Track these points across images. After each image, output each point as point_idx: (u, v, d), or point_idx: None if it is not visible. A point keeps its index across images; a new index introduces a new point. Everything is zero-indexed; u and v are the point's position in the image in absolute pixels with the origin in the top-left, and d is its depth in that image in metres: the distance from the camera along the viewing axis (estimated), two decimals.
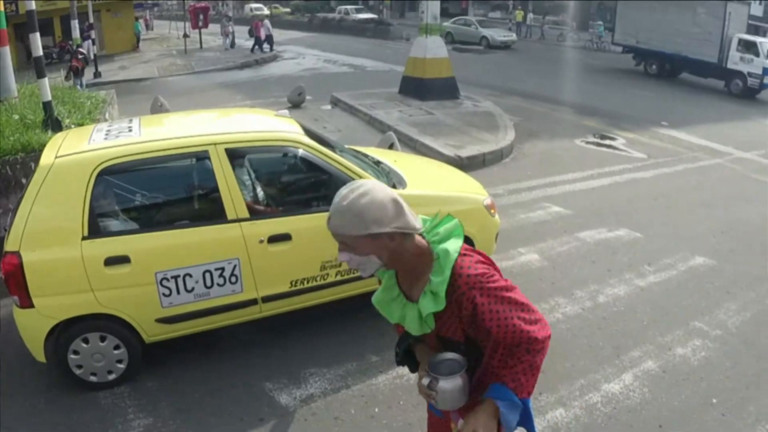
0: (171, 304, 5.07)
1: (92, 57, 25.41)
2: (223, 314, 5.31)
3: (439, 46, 17.31)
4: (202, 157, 5.25)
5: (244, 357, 5.62)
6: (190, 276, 5.02)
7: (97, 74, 24.66)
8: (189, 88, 21.64)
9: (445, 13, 18.58)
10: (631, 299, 6.73)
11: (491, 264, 2.45)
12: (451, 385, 2.42)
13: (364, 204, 2.22)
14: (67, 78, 19.93)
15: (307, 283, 5.53)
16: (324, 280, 5.59)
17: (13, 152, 8.14)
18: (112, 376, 5.16)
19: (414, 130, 13.48)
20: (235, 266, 5.15)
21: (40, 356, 4.96)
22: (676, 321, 6.29)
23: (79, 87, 17.13)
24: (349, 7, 53.03)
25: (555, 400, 5.05)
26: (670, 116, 17.32)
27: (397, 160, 7.05)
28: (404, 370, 5.28)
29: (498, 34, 38.29)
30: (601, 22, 39.99)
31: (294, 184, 6.18)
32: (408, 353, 2.73)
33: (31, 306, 4.71)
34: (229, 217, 5.13)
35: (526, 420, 2.59)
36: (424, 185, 6.34)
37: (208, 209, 5.39)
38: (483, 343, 2.51)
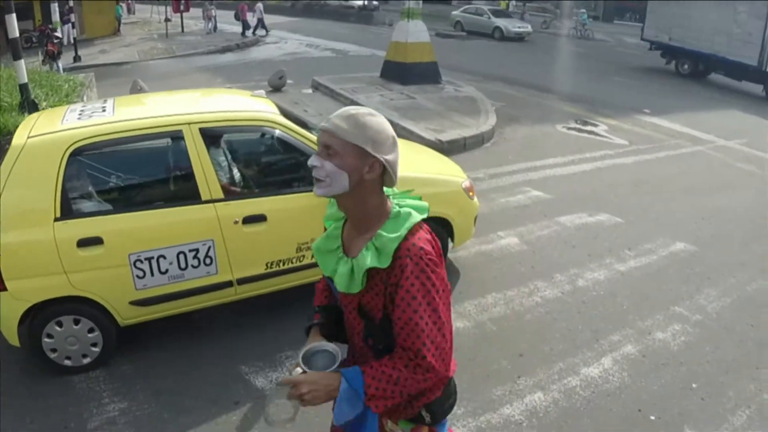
0: (145, 287, 4.99)
1: (72, 41, 25.11)
2: (198, 296, 5.23)
3: (420, 31, 17.17)
4: (176, 137, 5.18)
5: (220, 340, 5.56)
6: (164, 258, 4.94)
7: (76, 58, 24.31)
8: (169, 71, 21.43)
9: None
10: (611, 284, 6.73)
11: (442, 263, 2.31)
12: None
13: (371, 120, 2.19)
14: (44, 62, 19.69)
15: (283, 264, 5.47)
16: (300, 261, 5.53)
17: None
18: (86, 360, 5.09)
19: (395, 114, 13.40)
20: (209, 248, 5.08)
21: (14, 340, 4.87)
22: (656, 306, 6.29)
23: (56, 71, 16.94)
24: None
25: (533, 384, 5.03)
26: (652, 104, 17.35)
27: None
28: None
29: (513, 25, 35.44)
30: (584, 10, 39.89)
31: (270, 165, 6.11)
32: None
33: (4, 289, 4.62)
34: (204, 197, 5.05)
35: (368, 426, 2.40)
36: (402, 167, 6.19)
37: (182, 190, 5.30)
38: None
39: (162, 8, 38.56)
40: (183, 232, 4.98)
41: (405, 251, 2.16)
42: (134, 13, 51.56)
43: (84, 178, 5.13)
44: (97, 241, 4.74)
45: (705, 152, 12.77)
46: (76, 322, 4.93)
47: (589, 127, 14.33)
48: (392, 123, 10.98)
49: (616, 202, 9.28)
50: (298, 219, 5.36)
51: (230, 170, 5.65)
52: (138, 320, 5.18)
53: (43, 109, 8.89)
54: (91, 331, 5.00)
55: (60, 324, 4.90)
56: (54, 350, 4.95)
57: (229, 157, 5.77)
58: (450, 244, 6.51)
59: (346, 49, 28.24)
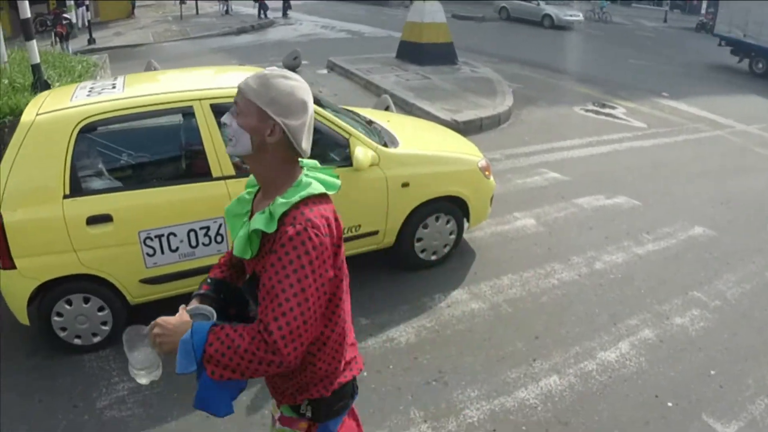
0: (155, 264, 4.93)
1: (86, 24, 25.10)
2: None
3: (436, 11, 16.95)
4: (186, 113, 5.11)
5: None
6: (175, 235, 4.88)
7: (91, 41, 24.26)
8: (183, 53, 21.37)
9: None
10: (628, 267, 6.61)
11: (336, 246, 2.18)
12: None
13: (280, 82, 2.10)
14: (53, 44, 19.67)
15: None
16: None
17: (1, 116, 8.07)
18: (96, 339, 5.04)
19: (410, 94, 13.30)
20: (220, 225, 5.01)
21: (24, 319, 4.82)
22: (674, 290, 6.18)
23: (66, 53, 16.91)
24: None
25: (549, 367, 4.95)
26: (671, 87, 17.12)
27: (390, 120, 6.89)
28: (395, 333, 5.27)
29: (564, 13, 32.54)
30: None
31: None
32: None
33: (13, 267, 4.56)
34: (215, 174, 4.97)
35: (210, 399, 2.24)
36: (418, 145, 6.20)
37: (193, 167, 5.24)
38: None
39: None
40: (194, 209, 4.91)
41: (291, 218, 2.06)
42: None
43: (94, 155, 5.07)
44: (106, 218, 4.68)
45: (724, 137, 12.56)
46: (86, 300, 4.88)
47: (606, 110, 14.16)
48: (408, 103, 11.00)
49: (634, 184, 9.13)
50: None
51: None
52: (148, 299, 5.12)
53: None
54: (101, 309, 4.96)
55: (69, 302, 4.85)
56: (63, 329, 4.92)
57: None
58: (465, 225, 6.42)
59: (361, 31, 28.12)
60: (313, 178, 2.20)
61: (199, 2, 36.32)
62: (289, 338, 1.99)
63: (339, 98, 12.80)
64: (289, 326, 1.99)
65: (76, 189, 4.65)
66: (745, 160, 11.04)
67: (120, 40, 25.81)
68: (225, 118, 2.18)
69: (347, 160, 5.38)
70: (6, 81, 9.51)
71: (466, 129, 10.99)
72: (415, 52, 17.09)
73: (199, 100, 4.98)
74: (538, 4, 33.38)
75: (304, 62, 16.85)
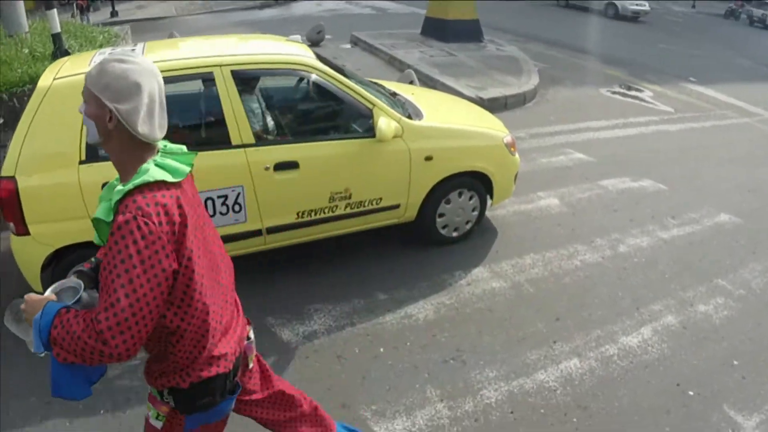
0: None
1: None
2: (225, 245, 5.04)
3: None
4: (207, 79, 4.98)
5: (246, 290, 5.36)
6: None
7: (113, 13, 24.31)
8: (206, 26, 21.34)
9: None
10: (653, 251, 6.48)
11: (182, 235, 2.11)
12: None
13: (112, 68, 2.06)
14: (73, 16, 19.67)
15: (315, 215, 5.31)
16: (332, 212, 5.36)
17: (21, 84, 8.10)
18: None
19: (435, 71, 13.15)
20: (239, 194, 4.90)
21: (37, 286, 4.75)
22: (698, 277, 6.04)
23: (87, 24, 16.93)
24: None
25: (570, 350, 4.85)
26: (698, 73, 16.84)
27: (414, 93, 6.75)
28: (414, 309, 5.18)
29: (630, 2, 29.22)
30: None
31: (304, 111, 5.92)
32: None
33: (27, 233, 4.50)
34: (234, 142, 4.86)
35: (63, 382, 2.21)
36: (442, 118, 6.04)
37: (211, 134, 5.15)
38: None
39: None
40: (212, 177, 4.79)
41: (124, 206, 2.02)
42: None
43: None
44: None
45: (752, 125, 12.29)
46: None
47: (633, 92, 13.94)
48: (432, 79, 10.87)
49: (660, 168, 8.95)
50: (331, 167, 5.19)
51: (263, 118, 5.45)
52: None
53: None
54: None
55: None
56: None
57: (263, 104, 5.59)
58: (488, 202, 6.31)
59: (385, 7, 27.94)
60: (160, 164, 2.14)
61: None
62: (117, 330, 1.95)
63: (362, 73, 12.60)
64: (116, 317, 1.95)
65: (93, 155, 4.54)
66: None
67: (142, 12, 25.83)
68: (81, 107, 2.15)
69: (370, 132, 5.26)
70: (26, 50, 9.51)
71: (490, 107, 10.77)
72: (440, 29, 16.88)
73: (220, 66, 4.86)
74: None
75: (327, 36, 16.77)
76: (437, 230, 6.11)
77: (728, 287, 5.88)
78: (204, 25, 21.89)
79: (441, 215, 6.03)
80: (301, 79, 5.70)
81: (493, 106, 11.02)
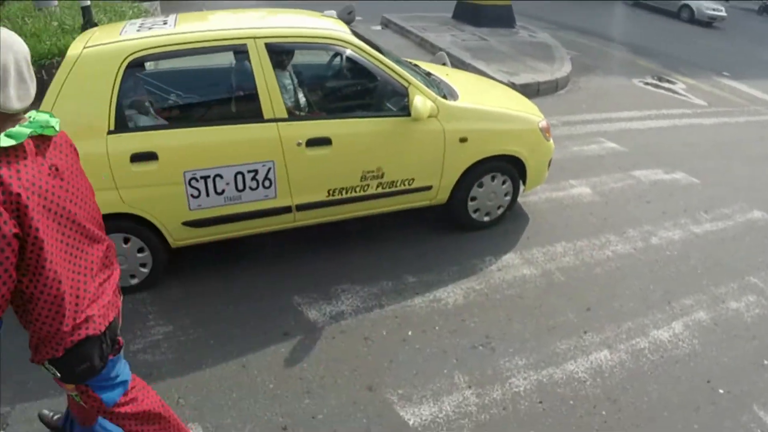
0: (199, 207, 4.76)
1: None
2: (254, 221, 5.01)
3: None
4: (239, 50, 4.86)
5: (273, 268, 5.37)
6: (221, 177, 4.70)
7: None
8: (238, 3, 21.23)
9: None
10: (685, 245, 6.35)
11: (16, 203, 2.11)
12: None
13: None
14: None
15: (346, 193, 5.21)
16: (364, 191, 5.27)
17: (50, 56, 8.08)
18: (134, 281, 4.93)
19: (466, 54, 13.01)
20: (269, 169, 4.81)
21: None
22: (731, 273, 5.92)
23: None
24: None
25: (600, 341, 4.76)
26: (732, 68, 16.58)
27: (449, 74, 6.62)
28: (443, 293, 5.11)
29: (706, 6, 25.99)
30: None
31: (337, 87, 5.83)
32: None
33: None
34: (266, 116, 4.76)
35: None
36: (478, 100, 5.91)
37: (243, 107, 5.05)
38: None
39: None
40: (242, 151, 4.71)
41: None
42: None
43: (141, 91, 4.91)
44: (151, 156, 4.50)
45: None
46: (126, 240, 4.74)
47: (666, 84, 13.72)
48: (463, 63, 10.72)
49: (692, 162, 8.78)
50: (364, 145, 5.09)
51: (296, 94, 5.37)
52: (190, 242, 4.98)
53: None
54: (141, 250, 4.83)
55: None
56: None
57: (296, 80, 5.50)
58: (521, 187, 6.20)
59: None
60: (9, 133, 2.15)
61: None
62: None
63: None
64: None
65: (121, 125, 4.47)
66: None
67: None
68: None
69: (405, 110, 5.16)
70: (56, 23, 9.51)
71: (523, 92, 10.50)
72: (472, 13, 16.69)
73: (254, 38, 4.75)
74: None
75: (358, 18, 16.63)
76: (468, 214, 6.01)
77: (760, 285, 5.76)
78: (235, 3, 21.81)
79: (473, 199, 5.92)
80: (336, 55, 5.62)
81: (526, 91, 10.82)
